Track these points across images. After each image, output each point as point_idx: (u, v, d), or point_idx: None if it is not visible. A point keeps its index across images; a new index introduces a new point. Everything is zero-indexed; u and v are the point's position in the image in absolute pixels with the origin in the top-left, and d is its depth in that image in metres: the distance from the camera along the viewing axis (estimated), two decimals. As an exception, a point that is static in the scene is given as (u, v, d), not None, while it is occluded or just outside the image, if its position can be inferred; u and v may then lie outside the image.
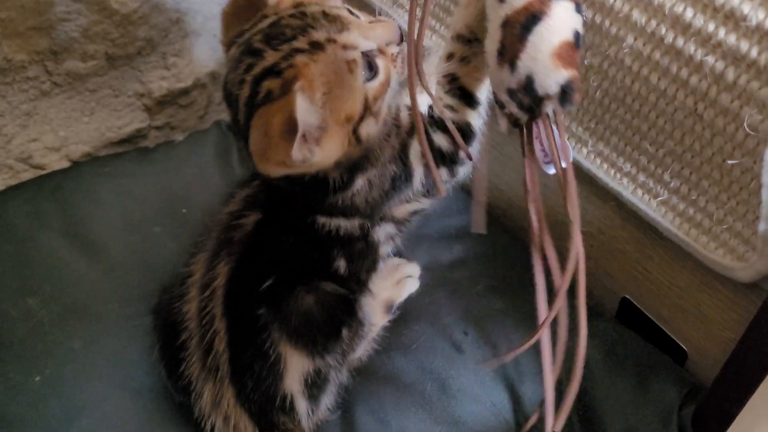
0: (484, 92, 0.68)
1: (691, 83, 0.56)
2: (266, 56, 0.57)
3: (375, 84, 0.61)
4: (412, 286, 0.82)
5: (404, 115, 0.68)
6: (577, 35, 0.53)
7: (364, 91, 0.60)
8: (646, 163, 0.66)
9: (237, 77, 0.59)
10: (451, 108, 0.69)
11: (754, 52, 0.49)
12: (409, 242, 0.81)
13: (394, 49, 0.62)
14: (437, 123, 0.68)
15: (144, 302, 0.79)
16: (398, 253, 0.81)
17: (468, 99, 0.68)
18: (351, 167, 0.63)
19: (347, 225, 0.68)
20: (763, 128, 0.51)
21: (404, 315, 0.80)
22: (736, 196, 0.59)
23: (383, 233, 0.73)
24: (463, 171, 0.72)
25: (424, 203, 0.73)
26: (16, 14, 0.89)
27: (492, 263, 0.86)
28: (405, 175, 0.67)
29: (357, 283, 0.72)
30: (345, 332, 0.69)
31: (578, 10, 0.53)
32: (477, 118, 0.69)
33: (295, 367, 0.66)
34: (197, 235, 0.73)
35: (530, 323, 0.77)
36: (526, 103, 0.55)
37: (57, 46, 0.95)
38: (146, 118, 1.08)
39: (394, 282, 0.81)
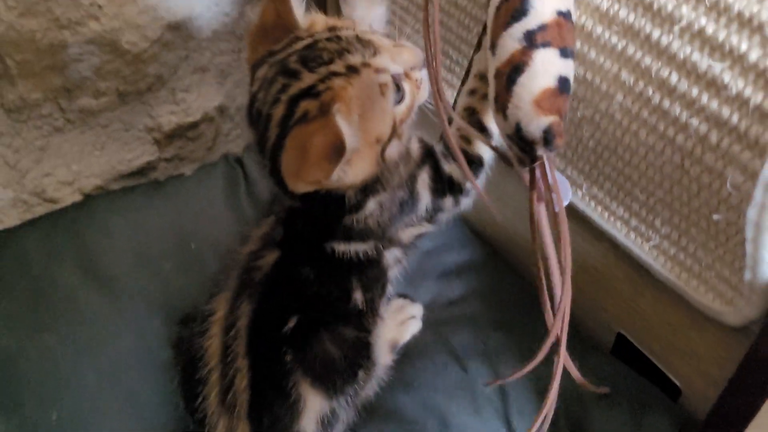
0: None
1: (678, 141, 0.58)
2: (303, 77, 0.59)
3: (402, 107, 0.64)
4: (415, 326, 0.85)
5: (414, 147, 0.71)
6: (562, 80, 0.54)
7: (393, 113, 0.62)
8: (638, 209, 0.69)
9: (270, 96, 0.60)
10: (466, 140, 0.72)
11: (734, 119, 0.52)
12: (412, 279, 0.84)
13: (417, 74, 0.65)
14: (450, 152, 0.71)
15: (155, 338, 0.82)
16: (402, 294, 0.83)
17: (483, 133, 0.71)
18: (364, 188, 0.65)
19: (365, 248, 0.71)
20: (745, 189, 0.53)
21: (406, 352, 0.82)
22: (723, 245, 0.61)
23: (392, 257, 0.75)
24: (467, 203, 0.75)
25: (428, 227, 0.76)
26: (32, 56, 0.92)
27: (492, 299, 0.88)
28: (411, 201, 0.71)
29: (373, 315, 0.74)
30: (361, 374, 0.71)
31: (565, 54, 0.55)
32: (488, 151, 0.73)
33: (313, 407, 0.68)
34: (217, 272, 0.75)
35: (531, 359, 0.80)
36: (522, 147, 0.58)
37: (70, 84, 0.98)
38: (156, 150, 1.11)
39: (399, 323, 0.84)
